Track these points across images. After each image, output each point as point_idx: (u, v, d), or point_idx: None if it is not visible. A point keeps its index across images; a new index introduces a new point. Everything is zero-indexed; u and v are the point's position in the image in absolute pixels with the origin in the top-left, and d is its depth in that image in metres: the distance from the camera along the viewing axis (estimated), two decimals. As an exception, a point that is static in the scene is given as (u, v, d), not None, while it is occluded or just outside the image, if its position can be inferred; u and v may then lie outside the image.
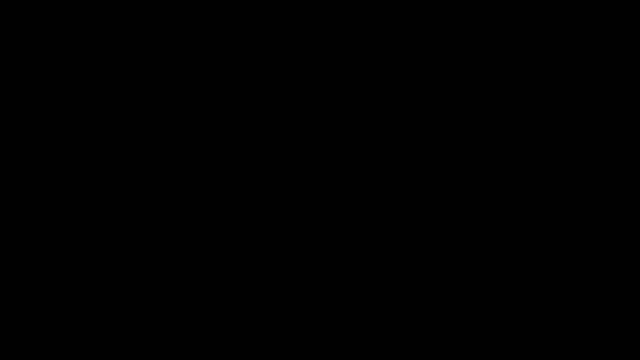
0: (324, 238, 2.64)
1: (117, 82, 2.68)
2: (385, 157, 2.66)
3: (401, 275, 2.63)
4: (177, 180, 2.66)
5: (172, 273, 2.63)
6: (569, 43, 2.67)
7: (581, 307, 2.60)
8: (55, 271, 2.63)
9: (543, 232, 2.63)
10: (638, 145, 2.63)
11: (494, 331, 2.60)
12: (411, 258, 2.63)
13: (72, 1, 2.69)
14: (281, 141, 2.67)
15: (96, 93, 2.68)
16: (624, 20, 2.64)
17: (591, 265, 2.61)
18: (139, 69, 2.67)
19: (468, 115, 2.66)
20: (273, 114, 2.68)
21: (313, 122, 2.68)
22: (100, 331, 2.61)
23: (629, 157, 2.63)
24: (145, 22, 2.67)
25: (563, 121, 2.66)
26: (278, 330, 2.61)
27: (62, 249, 2.63)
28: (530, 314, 2.60)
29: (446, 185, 2.64)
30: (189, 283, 2.63)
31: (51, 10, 2.69)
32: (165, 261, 2.64)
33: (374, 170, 2.65)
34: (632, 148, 2.63)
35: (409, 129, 2.67)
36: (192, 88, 2.68)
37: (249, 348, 2.61)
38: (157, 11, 2.68)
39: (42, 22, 2.69)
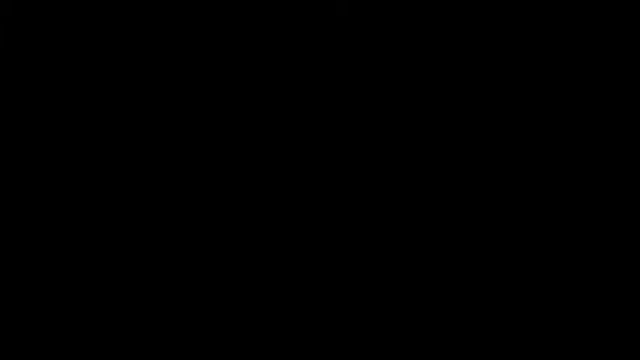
0: (324, 237, 2.64)
1: (117, 82, 2.68)
2: (385, 157, 2.66)
3: (401, 275, 2.63)
4: (178, 180, 2.66)
5: (172, 273, 2.63)
6: (569, 43, 2.66)
7: (581, 308, 2.60)
8: (55, 271, 2.63)
9: (543, 232, 2.62)
10: (638, 145, 2.63)
11: (495, 331, 2.60)
12: (411, 258, 2.63)
13: (72, 1, 2.68)
14: (281, 141, 2.67)
15: (96, 93, 2.68)
16: (624, 20, 2.64)
17: (591, 265, 2.61)
18: (139, 69, 2.67)
19: (468, 115, 2.66)
20: (273, 114, 2.68)
21: (313, 122, 2.68)
22: (100, 331, 2.61)
23: (629, 156, 2.63)
24: (145, 22, 2.67)
25: (562, 121, 2.66)
26: (278, 330, 2.61)
27: (62, 249, 2.63)
28: (531, 314, 2.60)
29: (446, 185, 2.64)
30: (190, 283, 2.63)
31: (51, 10, 2.69)
32: (166, 261, 2.63)
33: (374, 170, 2.65)
34: (632, 148, 2.63)
35: (409, 129, 2.66)
36: (193, 88, 2.68)
37: (249, 348, 2.61)
38: (157, 11, 2.68)
39: (42, 22, 2.68)
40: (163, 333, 2.61)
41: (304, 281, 2.63)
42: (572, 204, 2.63)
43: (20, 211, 2.65)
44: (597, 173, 2.64)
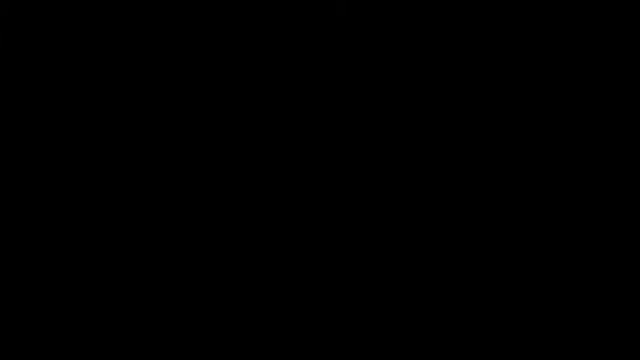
0: (324, 237, 2.64)
1: (117, 82, 2.68)
2: (385, 157, 2.65)
3: (401, 275, 2.63)
4: (178, 180, 2.66)
5: (172, 273, 2.63)
6: (569, 43, 2.66)
7: (580, 307, 2.60)
8: (55, 271, 2.63)
9: (543, 232, 2.62)
10: (637, 145, 2.63)
11: (494, 331, 2.60)
12: (411, 258, 2.63)
13: (72, 1, 2.68)
14: (281, 140, 2.66)
15: (96, 93, 2.68)
16: (624, 20, 2.64)
17: (590, 264, 2.61)
18: (138, 69, 2.67)
19: (468, 115, 2.66)
20: (272, 113, 2.68)
21: (313, 122, 2.67)
22: (100, 331, 2.61)
23: (629, 157, 2.63)
24: (145, 22, 2.67)
25: (562, 121, 2.66)
26: (278, 330, 2.61)
27: (62, 249, 2.63)
28: (530, 314, 2.60)
29: (445, 185, 2.64)
30: (190, 283, 2.63)
31: (51, 10, 2.68)
32: (166, 261, 2.63)
33: (374, 169, 2.65)
34: (632, 149, 2.63)
35: (409, 128, 2.66)
36: (192, 88, 2.68)
37: (249, 348, 2.61)
38: (157, 11, 2.67)
39: (42, 22, 2.68)
40: (163, 333, 2.61)
41: (304, 281, 2.63)
42: (572, 204, 2.63)
43: (20, 211, 2.65)
44: (596, 173, 2.64)
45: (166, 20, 2.68)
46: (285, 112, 2.67)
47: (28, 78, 2.68)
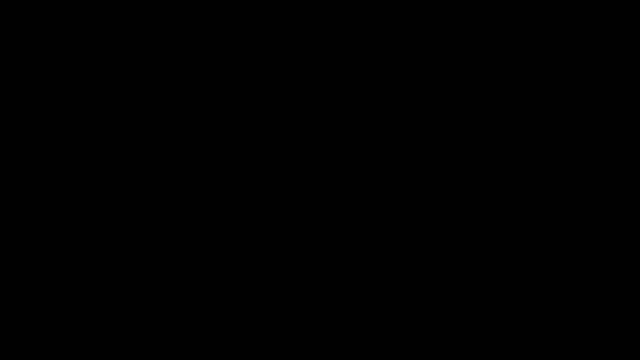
0: (326, 243, 2.64)
1: (117, 82, 2.68)
2: (389, 170, 2.65)
3: (401, 275, 2.63)
4: (179, 181, 2.66)
5: (172, 273, 2.64)
6: (577, 47, 2.67)
7: (579, 307, 2.62)
8: (55, 271, 2.63)
9: (542, 231, 2.63)
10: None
11: (494, 331, 2.61)
12: (411, 259, 2.63)
13: (72, 1, 2.67)
14: (284, 149, 2.65)
15: (96, 93, 2.68)
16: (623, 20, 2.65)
17: (590, 264, 2.63)
18: (138, 69, 2.66)
19: (481, 149, 2.65)
20: (282, 145, 2.67)
21: (322, 156, 2.67)
22: (100, 331, 2.62)
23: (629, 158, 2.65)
24: (145, 23, 2.66)
25: (570, 129, 2.66)
26: (278, 330, 2.61)
27: (62, 249, 2.64)
28: (529, 314, 2.61)
29: (446, 213, 2.64)
30: (190, 283, 2.63)
31: (51, 10, 2.68)
32: (165, 261, 2.64)
33: (382, 196, 2.64)
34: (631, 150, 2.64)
35: (417, 153, 2.66)
36: (195, 91, 2.66)
37: (249, 348, 2.61)
38: (158, 14, 2.66)
39: (42, 22, 2.67)
40: (163, 333, 2.61)
41: (304, 281, 2.62)
42: (571, 203, 2.65)
43: (20, 211, 2.65)
44: (596, 173, 2.65)
45: (167, 24, 2.66)
46: (294, 145, 2.66)
47: (27, 78, 2.68)
